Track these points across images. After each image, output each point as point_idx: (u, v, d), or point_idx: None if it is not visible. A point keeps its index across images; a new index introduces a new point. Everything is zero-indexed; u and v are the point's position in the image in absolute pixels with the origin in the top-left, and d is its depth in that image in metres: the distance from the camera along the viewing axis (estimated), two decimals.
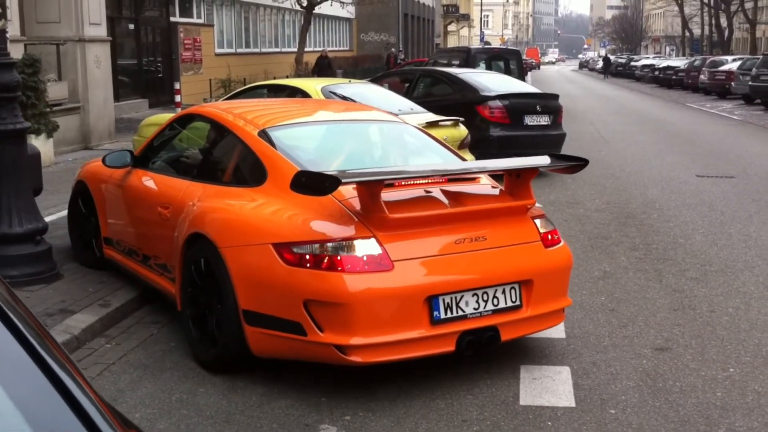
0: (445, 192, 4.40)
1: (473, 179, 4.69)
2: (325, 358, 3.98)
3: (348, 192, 4.13)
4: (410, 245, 4.06)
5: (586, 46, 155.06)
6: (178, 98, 18.09)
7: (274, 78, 20.38)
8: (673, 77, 41.15)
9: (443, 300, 4.03)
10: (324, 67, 28.18)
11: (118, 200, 5.80)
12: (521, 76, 18.49)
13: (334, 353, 3.89)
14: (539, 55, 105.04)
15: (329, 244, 3.95)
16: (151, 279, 5.27)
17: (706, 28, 62.69)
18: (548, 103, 12.25)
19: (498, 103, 11.63)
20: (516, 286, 4.26)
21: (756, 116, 23.23)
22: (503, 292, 4.22)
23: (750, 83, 26.43)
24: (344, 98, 9.42)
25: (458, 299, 4.08)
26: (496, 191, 4.61)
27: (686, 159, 13.81)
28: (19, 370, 1.23)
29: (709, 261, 6.94)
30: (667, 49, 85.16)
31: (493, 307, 4.17)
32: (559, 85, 43.16)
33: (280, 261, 4.00)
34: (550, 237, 4.53)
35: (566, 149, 12.22)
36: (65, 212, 8.24)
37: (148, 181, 5.51)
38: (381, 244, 3.97)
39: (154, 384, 4.29)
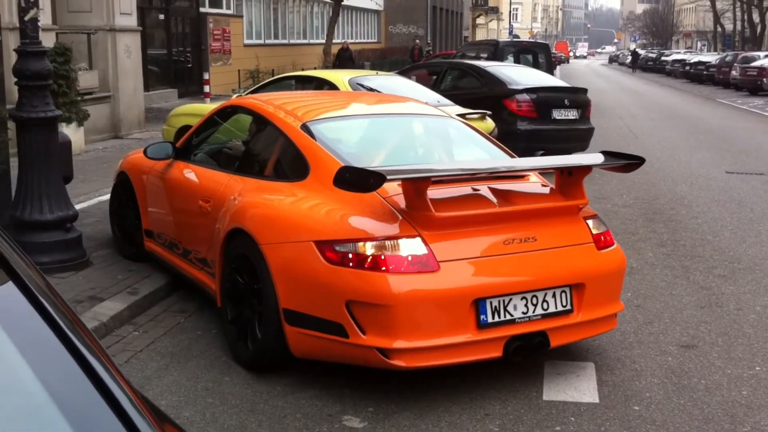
0: (493, 190, 4.22)
1: (523, 177, 4.55)
2: (367, 361, 3.86)
3: (392, 189, 4.01)
4: (457, 245, 3.92)
5: (616, 41, 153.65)
6: (207, 88, 18.20)
7: (302, 69, 20.43)
8: (704, 72, 40.68)
9: (491, 303, 3.88)
10: (345, 59, 27.89)
11: (160, 192, 5.73)
12: (550, 70, 18.37)
13: (376, 357, 3.77)
14: (568, 49, 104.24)
15: (373, 243, 3.82)
16: (191, 273, 5.19)
17: (738, 23, 61.82)
18: (576, 97, 12.17)
19: (526, 96, 11.57)
20: (567, 289, 4.09)
21: None
22: (554, 295, 4.05)
23: None
24: (371, 90, 9.43)
25: (506, 303, 3.92)
26: (547, 190, 4.47)
27: (716, 155, 13.67)
28: (52, 356, 1.26)
29: (738, 258, 6.87)
30: (699, 44, 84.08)
31: (542, 312, 4.00)
32: (587, 79, 42.83)
33: (321, 259, 3.88)
34: (603, 238, 4.35)
35: (594, 144, 12.15)
36: (95, 200, 8.35)
37: (190, 173, 5.45)
38: (426, 244, 3.84)
39: (180, 372, 4.34)
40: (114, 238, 6.51)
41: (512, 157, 4.96)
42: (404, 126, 5.35)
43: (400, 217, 3.93)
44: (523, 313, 3.95)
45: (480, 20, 72.80)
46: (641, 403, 4.02)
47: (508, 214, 4.08)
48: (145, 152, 5.65)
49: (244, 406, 3.94)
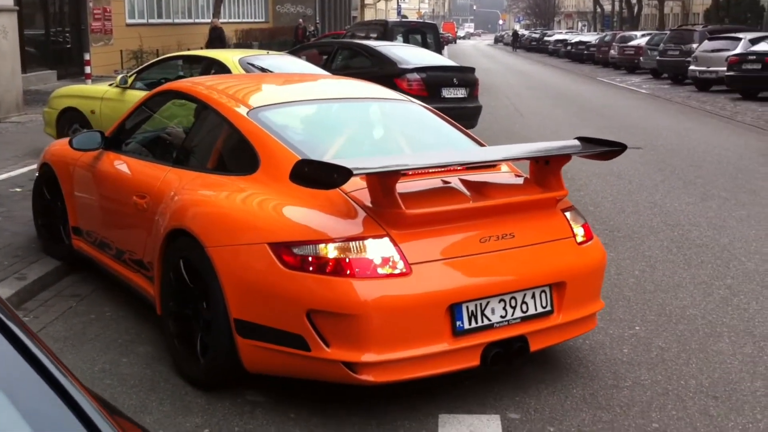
0: (465, 182, 3.85)
1: (494, 166, 4.19)
2: (331, 376, 3.50)
3: (355, 183, 3.51)
4: (429, 245, 3.56)
5: (501, 22, 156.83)
6: (88, 69, 17.61)
7: (188, 49, 20.01)
8: (585, 52, 42.15)
9: (467, 308, 3.54)
10: (215, 39, 23.33)
11: (88, 186, 5.21)
12: (438, 50, 18.65)
13: (342, 371, 3.41)
14: (455, 30, 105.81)
15: (335, 244, 3.43)
16: (126, 276, 4.73)
17: (617, 4, 64.23)
18: (465, 76, 12.43)
19: (416, 75, 11.74)
20: (547, 289, 3.79)
21: (663, 90, 24.06)
22: (533, 296, 3.74)
23: (657, 58, 27.33)
24: (262, 70, 9.37)
25: (483, 306, 3.59)
26: (521, 181, 4.13)
27: (597, 131, 14.24)
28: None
29: (617, 227, 7.24)
30: (579, 24, 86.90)
31: (522, 314, 3.69)
32: (475, 59, 43.62)
33: (278, 263, 3.48)
34: (582, 232, 4.07)
35: (482, 122, 12.46)
36: None
37: (121, 165, 4.94)
38: (396, 244, 3.46)
39: (75, 355, 4.27)
40: (38, 236, 6.02)
41: (481, 145, 4.59)
42: (361, 111, 4.90)
43: (365, 215, 3.54)
44: (502, 317, 3.64)
45: (368, 0, 72.93)
46: (527, 361, 4.21)
47: (484, 209, 3.73)
48: (70, 143, 5.09)
49: (143, 385, 3.92)
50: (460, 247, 3.64)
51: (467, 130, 4.80)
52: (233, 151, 4.28)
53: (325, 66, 12.18)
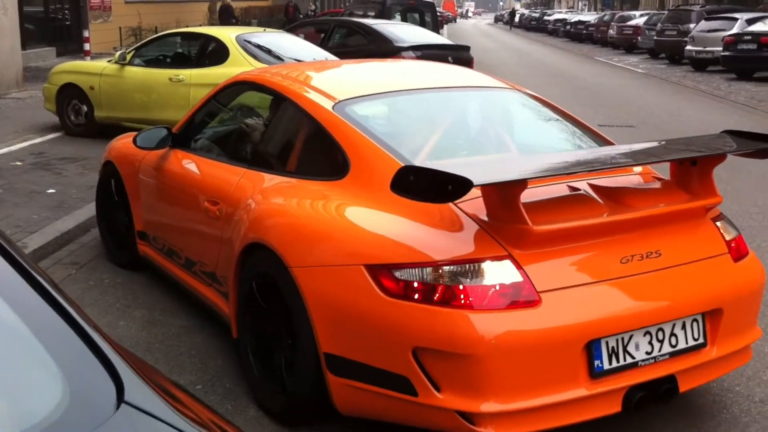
0: (596, 189, 3.23)
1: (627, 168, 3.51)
2: (442, 426, 2.94)
3: (468, 193, 2.76)
4: (560, 268, 2.99)
5: (501, 2, 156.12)
6: (87, 46, 17.69)
7: (187, 26, 20.09)
8: (584, 32, 42.09)
9: (607, 344, 2.95)
10: (227, 17, 24.18)
11: (155, 188, 4.78)
12: (436, 29, 18.76)
13: (456, 422, 2.85)
14: (455, 8, 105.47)
15: (446, 268, 2.86)
16: (197, 289, 4.26)
17: None
18: (460, 55, 12.56)
19: (411, 54, 11.88)
20: (699, 318, 3.17)
21: (659, 69, 24.14)
22: (683, 327, 3.13)
23: (655, 38, 27.36)
24: (259, 47, 9.50)
25: (626, 341, 2.99)
26: (662, 185, 3.49)
27: (591, 110, 14.38)
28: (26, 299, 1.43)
29: None
30: (580, 3, 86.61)
31: (670, 349, 3.09)
32: (473, 38, 43.58)
33: (376, 289, 2.92)
34: (736, 246, 3.40)
35: None
36: None
37: (190, 165, 4.48)
38: (520, 268, 2.87)
39: None
40: (103, 242, 5.61)
41: (607, 141, 3.93)
42: (462, 102, 4.29)
43: (482, 232, 2.95)
44: (647, 353, 3.04)
45: None
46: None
47: (625, 222, 3.11)
48: (134, 141, 4.64)
49: (139, 347, 4.11)
50: (597, 270, 3.03)
51: (585, 122, 4.19)
52: (318, 151, 3.77)
53: (322, 44, 12.32)
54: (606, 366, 2.94)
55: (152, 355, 4.02)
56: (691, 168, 3.32)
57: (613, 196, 3.21)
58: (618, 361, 2.98)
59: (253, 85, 4.57)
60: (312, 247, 3.22)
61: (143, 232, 4.95)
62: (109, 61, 10.15)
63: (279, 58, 9.39)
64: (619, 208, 3.13)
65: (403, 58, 11.71)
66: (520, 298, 2.84)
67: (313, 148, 3.80)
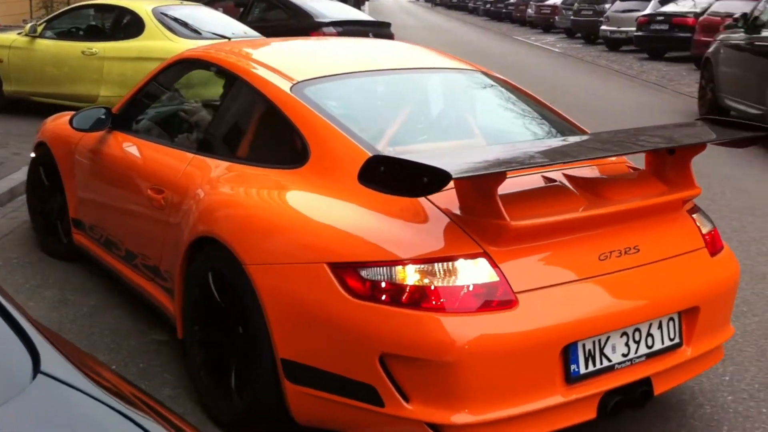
0: (572, 179, 3.04)
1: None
2: None
3: None
4: (537, 266, 2.80)
5: None
6: None
7: None
8: (503, 10, 42.57)
9: (584, 347, 2.77)
10: None
11: (93, 173, 4.44)
12: (357, 5, 18.72)
13: None
14: None
15: (417, 266, 2.64)
16: (139, 285, 3.98)
17: None
18: (381, 31, 12.57)
19: (332, 29, 11.82)
20: (675, 316, 3.02)
21: (575, 49, 24.64)
22: (659, 326, 2.96)
23: (572, 18, 27.90)
24: (176, 20, 9.31)
25: (603, 344, 2.82)
26: (638, 176, 3.30)
27: None
28: None
29: None
30: None
31: (646, 350, 2.93)
32: (395, 15, 43.56)
33: (341, 290, 2.69)
34: (711, 239, 3.24)
35: None
36: None
37: (132, 148, 4.16)
38: (496, 266, 2.67)
39: None
40: (34, 229, 5.26)
41: (578, 127, 3.76)
42: (428, 86, 4.06)
43: (455, 227, 2.74)
44: (623, 355, 2.87)
45: None
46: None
47: (605, 216, 2.92)
48: (70, 122, 4.30)
49: (51, 327, 4.01)
50: (576, 268, 2.83)
51: (551, 105, 4.04)
52: (274, 137, 3.49)
53: (242, 18, 12.14)
54: (582, 370, 2.76)
55: (64, 335, 3.93)
56: (668, 157, 3.15)
57: (591, 187, 3.01)
58: (594, 365, 2.79)
59: (201, 63, 4.28)
60: (269, 243, 2.97)
61: (79, 220, 4.63)
62: (18, 34, 9.81)
63: (197, 31, 9.24)
64: (598, 201, 2.93)
65: (324, 34, 11.66)
66: (496, 299, 2.63)
67: (269, 133, 3.53)
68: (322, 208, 2.97)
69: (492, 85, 4.06)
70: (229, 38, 8.63)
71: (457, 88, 4.09)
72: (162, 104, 4.61)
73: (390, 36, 12.68)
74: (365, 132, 3.21)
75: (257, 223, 3.04)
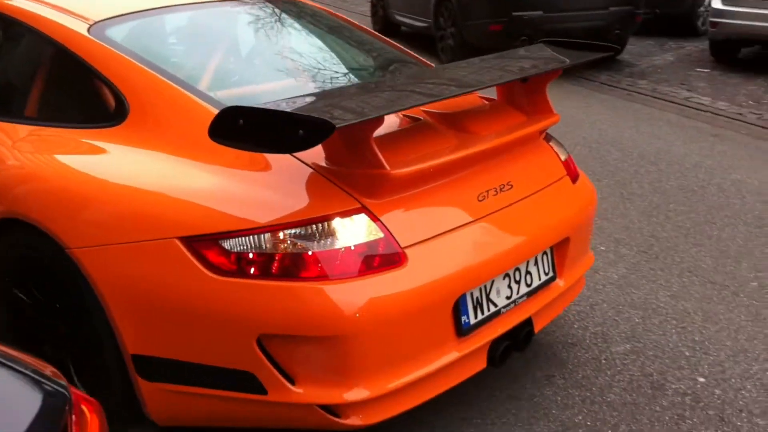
0: (434, 116, 2.78)
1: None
2: (302, 423, 2.42)
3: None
4: (421, 217, 2.49)
5: None
6: None
7: None
8: None
9: (472, 295, 2.56)
10: None
11: None
12: None
13: (319, 417, 2.34)
14: None
15: (289, 231, 2.27)
16: None
17: None
18: None
19: None
20: (548, 250, 2.87)
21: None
22: (536, 262, 2.81)
23: None
24: None
25: (489, 289, 2.62)
26: (498, 108, 3.05)
27: None
28: None
29: None
30: None
31: (527, 289, 2.76)
32: None
33: (200, 267, 2.27)
34: (569, 165, 3.12)
35: None
36: None
37: None
38: (378, 221, 2.35)
39: None
40: None
41: (415, 57, 3.46)
42: (246, 19, 3.50)
43: (325, 181, 2.38)
44: (507, 297, 2.70)
45: None
46: None
47: (480, 154, 2.65)
48: None
49: None
50: (458, 213, 2.57)
51: (376, 32, 3.69)
52: (79, 91, 2.87)
53: None
54: (472, 320, 2.56)
55: None
56: (521, 86, 2.95)
57: (455, 123, 2.76)
58: (483, 313, 2.60)
59: None
60: (98, 220, 2.44)
61: None
62: None
63: None
64: (467, 138, 2.67)
65: None
66: (382, 258, 2.32)
67: (70, 87, 2.89)
68: (159, 173, 2.46)
69: (313, 14, 3.65)
70: None
71: (279, 20, 3.52)
72: None
73: None
74: (192, 78, 2.75)
75: (78, 198, 2.50)
